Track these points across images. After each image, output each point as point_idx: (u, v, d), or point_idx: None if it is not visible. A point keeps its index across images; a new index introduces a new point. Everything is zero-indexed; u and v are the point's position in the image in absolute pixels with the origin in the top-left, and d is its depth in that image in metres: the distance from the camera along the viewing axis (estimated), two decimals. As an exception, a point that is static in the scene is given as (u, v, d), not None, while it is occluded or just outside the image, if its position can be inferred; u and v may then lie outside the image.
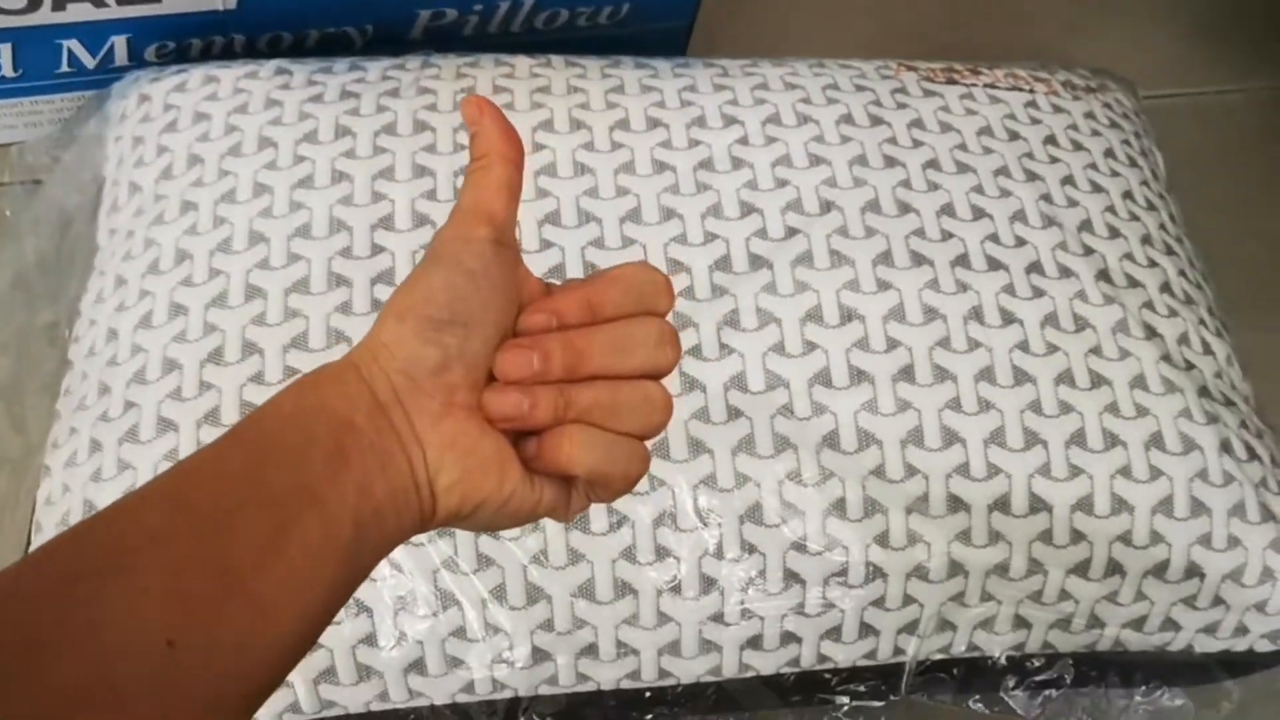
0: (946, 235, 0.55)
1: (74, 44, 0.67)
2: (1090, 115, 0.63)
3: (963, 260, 0.55)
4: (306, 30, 0.69)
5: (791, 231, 0.55)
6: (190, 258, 0.54)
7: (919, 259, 0.54)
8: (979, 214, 0.56)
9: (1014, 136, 0.60)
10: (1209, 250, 0.67)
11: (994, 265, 0.55)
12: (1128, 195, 0.60)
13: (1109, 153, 0.62)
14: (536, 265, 0.53)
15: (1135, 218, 0.59)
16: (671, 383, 0.50)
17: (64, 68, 0.68)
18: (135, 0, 0.65)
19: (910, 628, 0.52)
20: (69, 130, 0.65)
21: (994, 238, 0.56)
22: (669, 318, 0.33)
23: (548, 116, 0.58)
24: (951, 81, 0.62)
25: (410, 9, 0.68)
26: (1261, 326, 0.72)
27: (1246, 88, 0.84)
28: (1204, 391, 0.54)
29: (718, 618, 0.50)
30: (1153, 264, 0.57)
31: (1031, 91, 0.63)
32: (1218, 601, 0.52)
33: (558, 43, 0.72)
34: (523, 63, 0.61)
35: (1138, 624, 0.53)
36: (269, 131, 0.57)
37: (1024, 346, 0.53)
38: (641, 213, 0.55)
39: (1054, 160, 0.59)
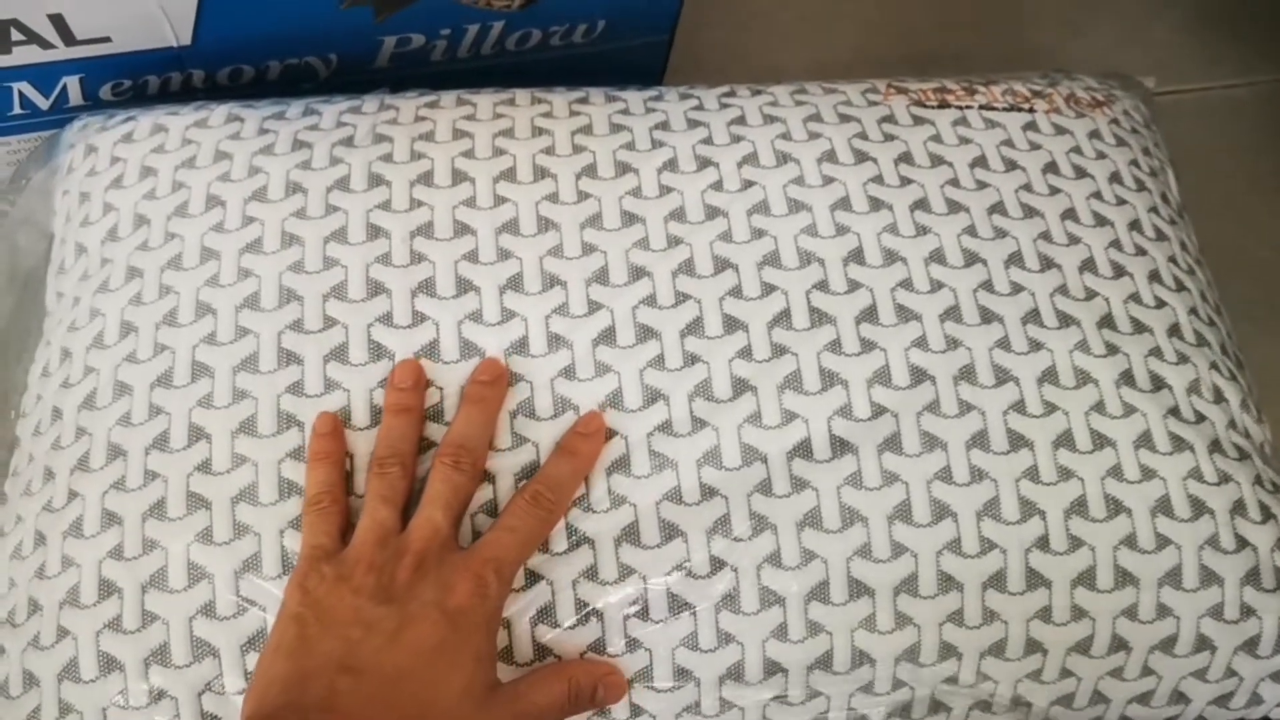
0: (936, 286, 0.52)
1: (24, 86, 0.64)
2: (1095, 134, 0.59)
3: (953, 313, 0.51)
4: (267, 63, 0.66)
5: (768, 289, 0.51)
6: (135, 330, 0.51)
7: (905, 314, 0.51)
8: (971, 259, 0.53)
9: (1011, 166, 0.56)
10: (1216, 254, 0.64)
11: (987, 317, 0.51)
12: (1135, 226, 0.56)
13: (1115, 177, 0.58)
14: (498, 339, 0.50)
15: (1142, 251, 0.55)
16: (640, 463, 0.48)
17: (16, 110, 0.65)
18: (84, 41, 0.61)
19: (903, 711, 0.49)
20: (19, 176, 0.62)
21: (987, 285, 0.52)
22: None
23: (510, 165, 0.54)
24: (944, 104, 0.58)
25: (374, 37, 0.65)
26: (1274, 332, 0.68)
27: (1255, 81, 0.80)
28: (1215, 446, 0.50)
29: (693, 708, 0.47)
30: (1161, 304, 0.54)
31: (1031, 111, 0.59)
32: (1230, 674, 0.49)
33: (533, 64, 0.69)
34: (485, 101, 0.57)
35: (1144, 698, 0.50)
36: (217, 189, 0.54)
37: (1020, 408, 0.50)
38: (609, 273, 0.51)
39: (1055, 191, 0.56)
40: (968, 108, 0.59)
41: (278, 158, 0.54)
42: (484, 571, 0.43)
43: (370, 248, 0.51)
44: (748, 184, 0.54)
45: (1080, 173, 0.57)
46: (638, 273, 0.51)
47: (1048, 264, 0.53)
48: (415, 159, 0.54)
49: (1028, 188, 0.55)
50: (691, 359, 0.49)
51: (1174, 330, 0.53)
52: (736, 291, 0.51)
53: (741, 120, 0.57)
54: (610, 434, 0.48)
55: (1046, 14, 0.80)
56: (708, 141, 0.56)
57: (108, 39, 0.61)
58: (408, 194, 0.53)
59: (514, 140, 0.55)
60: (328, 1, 0.62)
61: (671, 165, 0.54)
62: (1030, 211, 0.55)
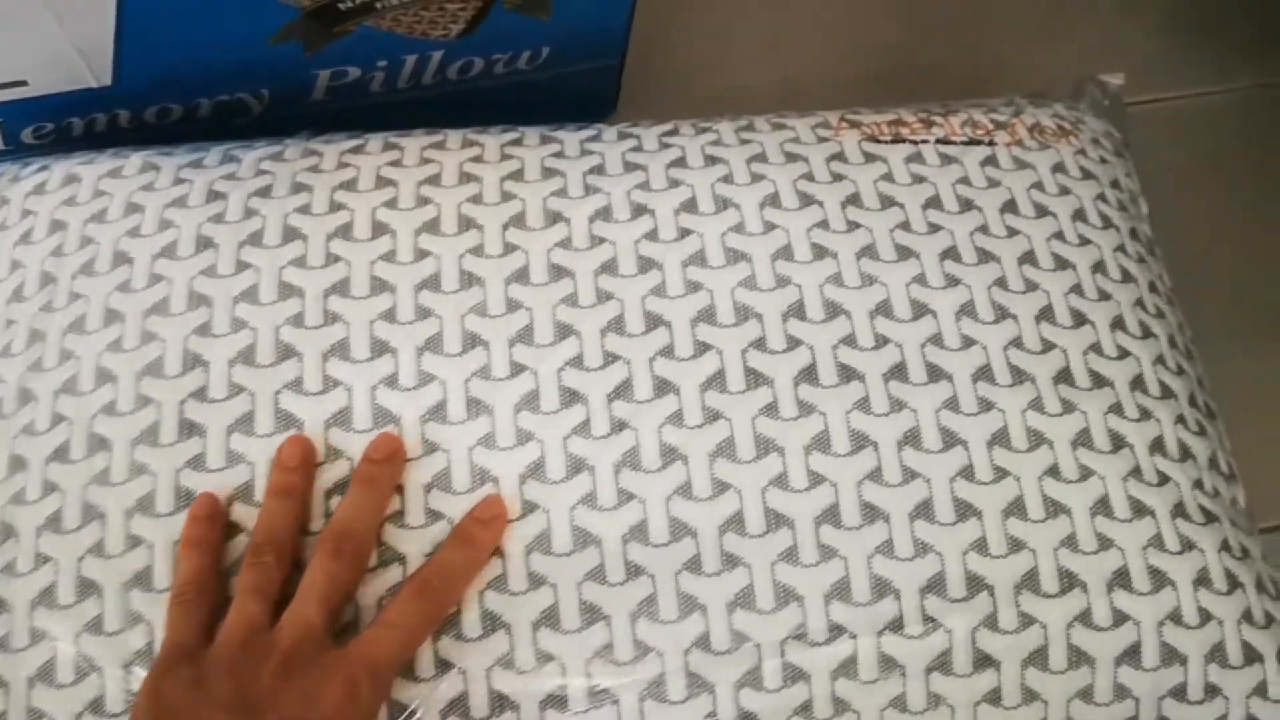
0: (881, 341, 0.49)
1: (-58, 130, 0.61)
2: (1060, 167, 0.56)
3: (899, 371, 0.48)
4: (197, 100, 0.63)
5: (702, 348, 0.48)
6: (34, 399, 0.48)
7: (847, 374, 0.48)
8: (920, 311, 0.50)
9: (966, 207, 0.53)
10: (1195, 269, 0.62)
11: (935, 375, 0.48)
12: (1099, 268, 0.53)
13: (1079, 214, 0.54)
14: (414, 406, 0.47)
15: (1106, 295, 0.52)
16: (562, 540, 0.45)
17: (-64, 154, 0.62)
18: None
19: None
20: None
21: (936, 340, 0.49)
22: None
23: (434, 215, 0.51)
24: (898, 139, 0.55)
25: (307, 71, 0.62)
26: (1252, 354, 0.65)
27: (1232, 88, 0.76)
28: (1179, 510, 0.47)
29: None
30: (1124, 354, 0.50)
31: (991, 144, 0.56)
32: (1195, 756, 0.46)
33: (479, 92, 0.66)
34: (413, 145, 0.54)
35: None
36: (126, 245, 0.51)
37: (968, 474, 0.47)
38: (534, 332, 0.48)
39: (1013, 233, 0.52)
40: (923, 142, 0.55)
41: (190, 210, 0.52)
42: (357, 675, 0.40)
43: (281, 308, 0.49)
44: (685, 232, 0.51)
45: (1041, 211, 0.54)
46: (564, 331, 0.48)
47: (1002, 314, 0.50)
48: (334, 210, 0.51)
49: (984, 229, 0.52)
50: (619, 425, 0.47)
51: (1137, 382, 0.50)
52: (668, 351, 0.48)
53: (682, 162, 0.53)
54: (530, 507, 0.45)
55: (1017, 24, 0.77)
56: (644, 187, 0.53)
57: (24, 82, 0.58)
58: (324, 249, 0.50)
59: (440, 188, 0.52)
60: (255, 37, 0.59)
61: (605, 214, 0.51)
62: (985, 256, 0.51)
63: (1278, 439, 0.62)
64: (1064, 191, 0.55)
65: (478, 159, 0.54)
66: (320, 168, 0.53)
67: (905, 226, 0.52)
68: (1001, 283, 0.51)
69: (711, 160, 0.54)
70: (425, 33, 0.61)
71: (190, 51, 0.59)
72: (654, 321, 0.49)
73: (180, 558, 0.44)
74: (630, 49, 0.67)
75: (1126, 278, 0.53)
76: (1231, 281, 0.70)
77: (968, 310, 0.50)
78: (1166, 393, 0.51)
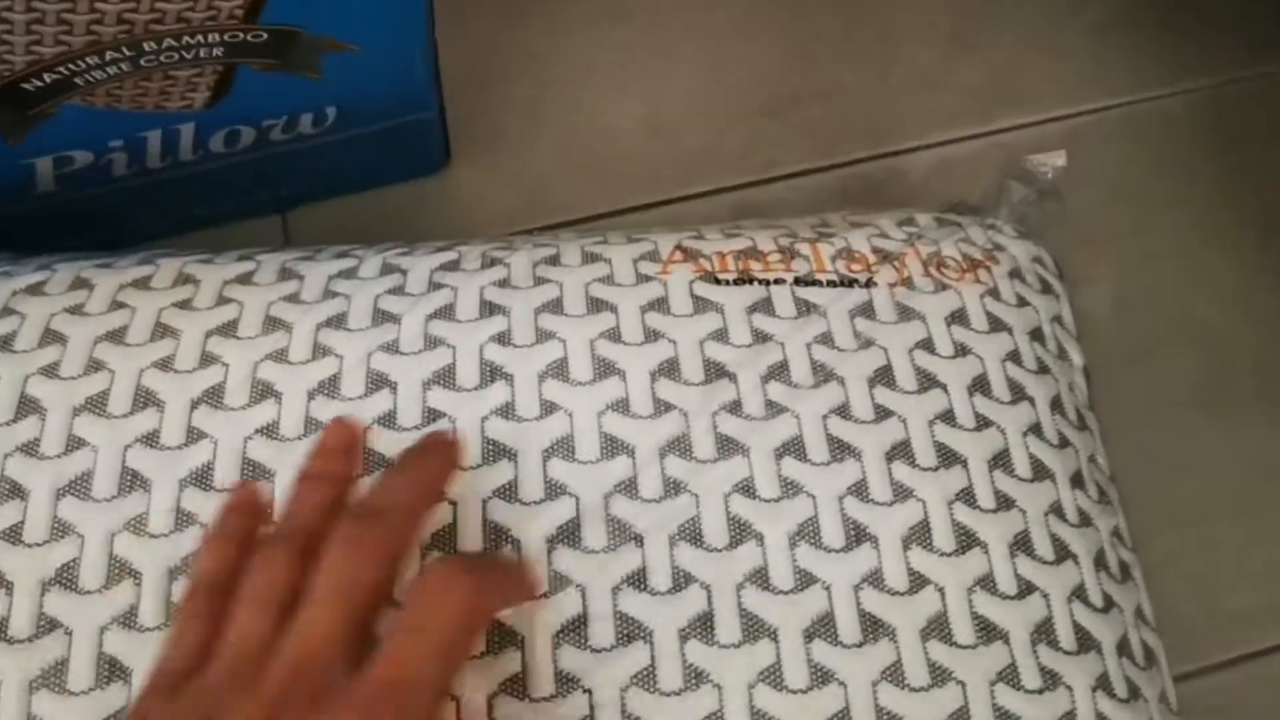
0: (681, 582, 0.35)
1: None
2: (959, 316, 0.42)
3: (703, 626, 0.35)
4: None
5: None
6: None
7: (626, 634, 0.35)
8: (740, 534, 0.36)
9: (824, 379, 0.40)
10: (1156, 317, 0.56)
11: (753, 634, 0.35)
12: (1000, 461, 0.39)
13: (979, 383, 0.41)
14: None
15: (1007, 503, 0.39)
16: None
17: None
18: None
19: None
20: None
21: (760, 578, 0.36)
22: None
23: (104, 387, 0.38)
24: (744, 278, 0.42)
25: (19, 161, 0.49)
26: (1227, 419, 0.55)
27: (1187, 89, 0.63)
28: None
29: None
30: (1024, 591, 0.37)
31: (869, 284, 0.42)
32: None
33: (270, 160, 0.53)
34: (106, 283, 0.41)
35: None
36: None
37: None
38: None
39: (883, 415, 0.39)
40: (777, 282, 0.42)
41: None
42: (377, 709, 0.28)
43: None
44: (433, 415, 0.38)
45: (926, 383, 0.40)
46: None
47: (857, 537, 0.37)
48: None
49: (842, 411, 0.39)
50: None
51: (1043, 630, 0.37)
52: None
53: (448, 312, 0.40)
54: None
55: (928, 29, 0.63)
56: (392, 348, 0.39)
57: None
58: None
59: (123, 347, 0.39)
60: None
61: (331, 387, 0.38)
62: (841, 451, 0.38)
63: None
64: (961, 353, 0.41)
65: (186, 303, 0.41)
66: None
67: (735, 409, 0.39)
68: (860, 490, 0.38)
69: (488, 309, 0.41)
70: (161, 105, 0.48)
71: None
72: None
73: (202, 551, 0.33)
74: (466, 88, 0.57)
75: (1039, 474, 0.40)
76: (1202, 331, 0.58)
77: (808, 534, 0.37)
78: (1085, 644, 0.37)
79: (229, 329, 0.40)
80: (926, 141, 0.61)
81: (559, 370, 0.39)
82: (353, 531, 0.31)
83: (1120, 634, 0.39)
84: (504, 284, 0.42)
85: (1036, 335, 0.44)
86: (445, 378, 0.39)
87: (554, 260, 0.43)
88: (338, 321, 0.40)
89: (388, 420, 0.38)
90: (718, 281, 0.42)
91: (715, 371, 0.40)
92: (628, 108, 0.61)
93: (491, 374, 0.39)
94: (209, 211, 0.55)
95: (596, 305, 0.41)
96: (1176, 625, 0.46)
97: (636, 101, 0.61)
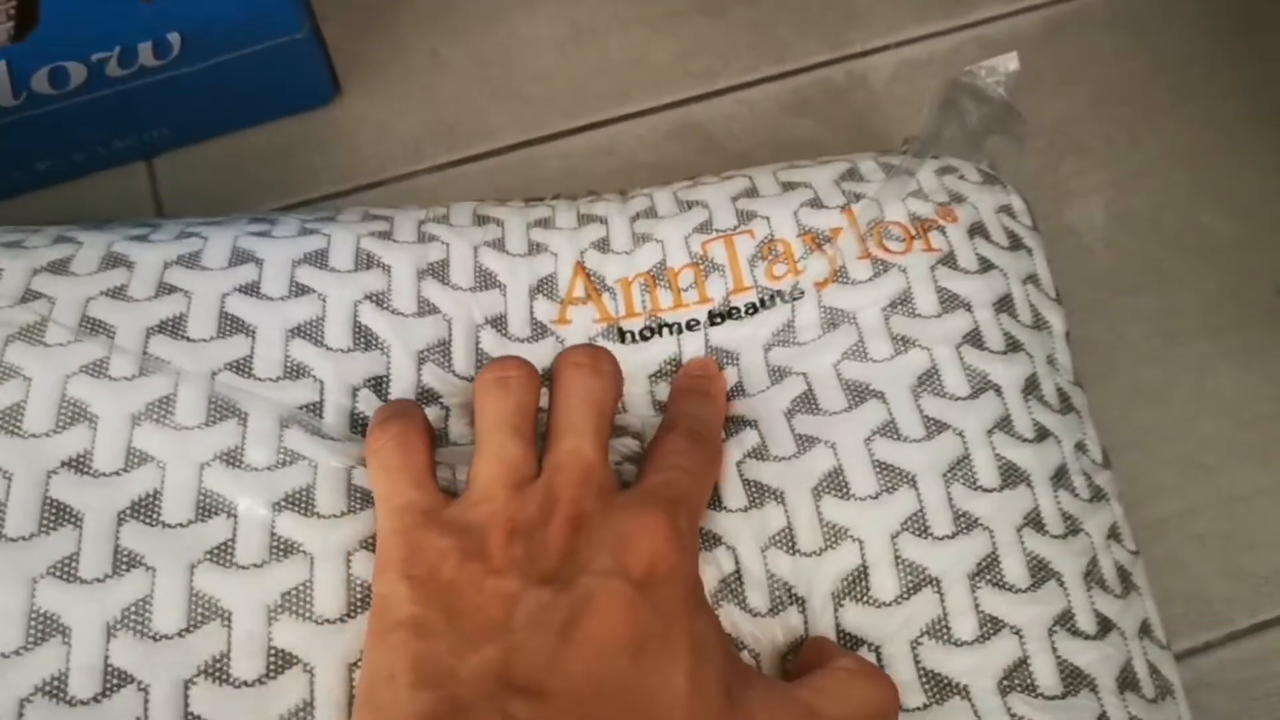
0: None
1: None
2: (902, 302, 0.37)
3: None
4: None
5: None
6: None
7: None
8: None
9: (740, 427, 0.33)
10: (1154, 226, 0.47)
11: None
12: (958, 473, 0.34)
13: (928, 381, 0.35)
14: None
15: (968, 524, 0.33)
16: None
17: None
18: None
19: None
20: None
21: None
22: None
23: None
24: (652, 327, 0.36)
25: None
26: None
27: None
28: None
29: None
30: (994, 630, 0.31)
31: (794, 296, 0.36)
32: None
33: (111, 102, 0.46)
34: None
35: None
36: None
37: None
38: None
39: (805, 447, 0.32)
40: (690, 326, 0.36)
41: None
42: (672, 509, 0.29)
43: None
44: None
45: (858, 395, 0.34)
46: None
47: (787, 596, 0.30)
48: None
49: (759, 454, 0.32)
50: None
51: (1015, 676, 0.31)
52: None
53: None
54: None
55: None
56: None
57: None
58: None
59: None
60: None
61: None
62: (761, 495, 0.32)
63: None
64: (903, 347, 0.35)
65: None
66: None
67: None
68: (785, 538, 0.31)
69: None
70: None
71: None
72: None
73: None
74: (352, 2, 0.50)
75: (1011, 478, 0.34)
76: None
77: (733, 589, 0.30)
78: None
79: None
80: (893, 39, 0.53)
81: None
82: (589, 360, 0.33)
83: (1122, 662, 0.33)
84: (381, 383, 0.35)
85: (1004, 305, 0.37)
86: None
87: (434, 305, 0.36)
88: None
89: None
90: (623, 337, 0.35)
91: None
92: (545, 13, 0.53)
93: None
94: (56, 165, 0.47)
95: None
96: (1195, 591, 0.42)
97: (554, 5, 0.53)
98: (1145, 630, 0.34)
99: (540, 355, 0.35)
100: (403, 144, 0.50)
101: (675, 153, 0.50)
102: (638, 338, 0.36)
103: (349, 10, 0.52)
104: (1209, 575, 0.43)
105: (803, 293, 0.36)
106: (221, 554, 0.30)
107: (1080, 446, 0.36)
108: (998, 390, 0.35)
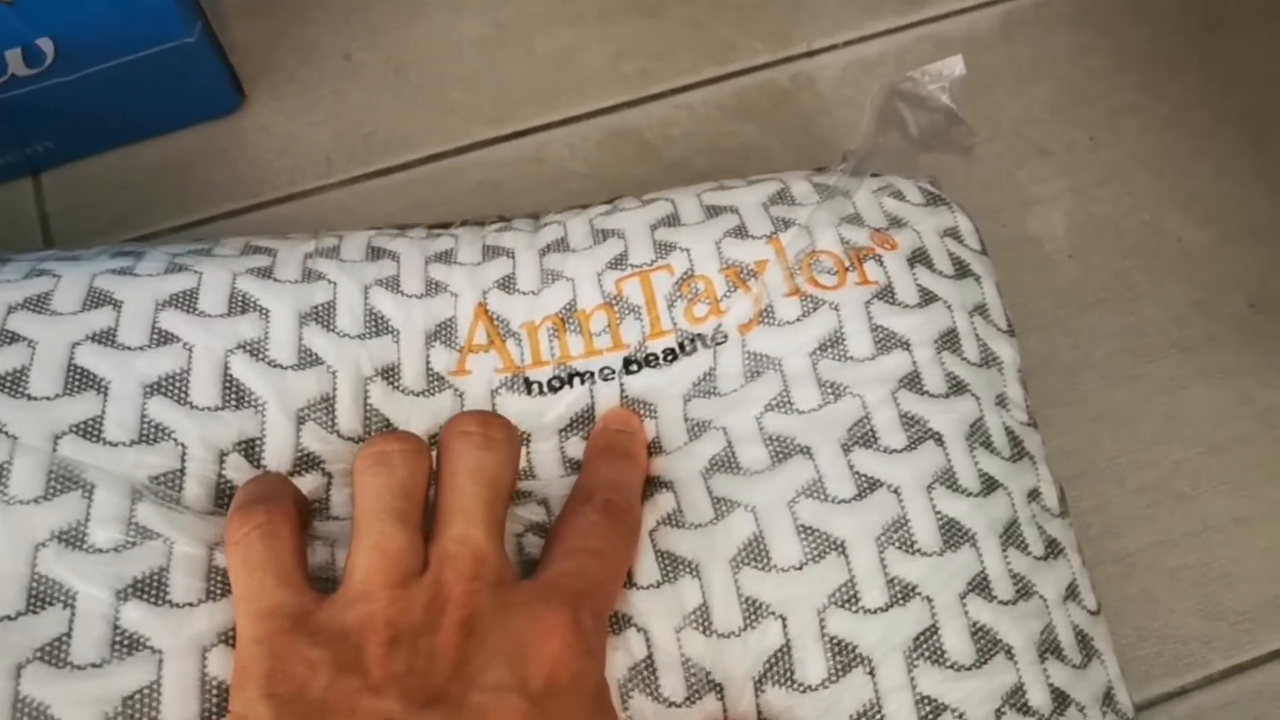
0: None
1: None
2: (831, 344, 0.33)
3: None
4: None
5: None
6: None
7: None
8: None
9: (657, 488, 0.30)
10: (1119, 234, 0.45)
11: None
12: (893, 537, 0.31)
13: (861, 434, 0.31)
14: None
15: (904, 594, 0.30)
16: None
17: None
18: None
19: None
20: None
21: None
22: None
23: None
24: (562, 376, 0.33)
25: None
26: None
27: None
28: None
29: None
30: (936, 714, 0.28)
31: (715, 340, 0.32)
32: None
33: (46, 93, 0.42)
34: None
35: None
36: None
37: None
38: None
39: (724, 512, 0.29)
40: (605, 375, 0.32)
41: None
42: (580, 613, 0.26)
43: None
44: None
45: (782, 450, 0.30)
46: None
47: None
48: None
49: (673, 520, 0.29)
50: None
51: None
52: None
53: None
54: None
55: None
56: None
57: None
58: None
59: None
60: None
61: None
62: (675, 569, 0.28)
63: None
64: (833, 395, 0.31)
65: None
66: None
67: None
68: (701, 619, 0.28)
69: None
70: None
71: None
72: None
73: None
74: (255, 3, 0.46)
75: (953, 538, 0.30)
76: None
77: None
78: None
79: None
80: (841, 38, 0.50)
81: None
82: (480, 435, 0.29)
83: None
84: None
85: (948, 341, 0.34)
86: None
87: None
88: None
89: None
90: (529, 388, 0.32)
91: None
92: (468, 11, 0.49)
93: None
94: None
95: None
96: (1169, 630, 0.39)
97: (478, 2, 0.49)
98: (1108, 700, 0.31)
99: (436, 410, 0.32)
100: (312, 156, 0.47)
101: (608, 161, 0.47)
102: (546, 389, 0.33)
103: (254, 11, 0.48)
104: (1183, 612, 0.40)
105: (726, 337, 0.33)
106: (54, 652, 0.27)
107: (1033, 494, 0.33)
108: (938, 439, 0.32)
